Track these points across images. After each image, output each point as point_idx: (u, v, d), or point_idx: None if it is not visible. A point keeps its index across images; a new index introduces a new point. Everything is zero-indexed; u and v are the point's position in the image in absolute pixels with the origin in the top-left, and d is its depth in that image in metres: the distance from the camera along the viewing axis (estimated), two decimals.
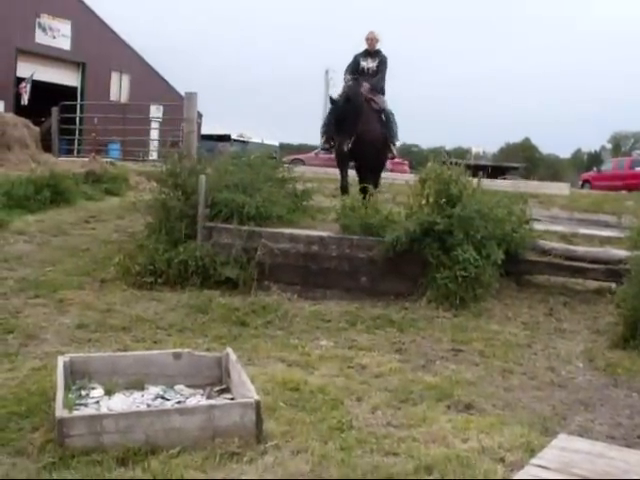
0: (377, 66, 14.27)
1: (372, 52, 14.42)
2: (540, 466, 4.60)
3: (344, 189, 14.15)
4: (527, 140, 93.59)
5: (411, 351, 8.98)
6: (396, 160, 39.88)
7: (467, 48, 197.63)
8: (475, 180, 12.29)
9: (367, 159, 14.07)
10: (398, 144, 16.49)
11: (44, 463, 5.42)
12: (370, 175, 14.04)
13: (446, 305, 10.61)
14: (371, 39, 14.41)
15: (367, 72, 14.25)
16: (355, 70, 14.28)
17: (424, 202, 11.26)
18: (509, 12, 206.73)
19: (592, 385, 8.19)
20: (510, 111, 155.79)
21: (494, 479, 5.31)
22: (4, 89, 40.72)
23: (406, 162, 40.24)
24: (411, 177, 14.87)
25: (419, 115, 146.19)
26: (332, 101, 14.01)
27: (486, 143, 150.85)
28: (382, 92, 14.50)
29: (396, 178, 20.89)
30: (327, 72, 63.41)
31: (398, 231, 10.93)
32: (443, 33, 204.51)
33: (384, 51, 14.62)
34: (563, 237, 13.33)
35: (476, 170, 13.66)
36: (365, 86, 14.01)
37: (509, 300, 11.17)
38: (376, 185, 13.37)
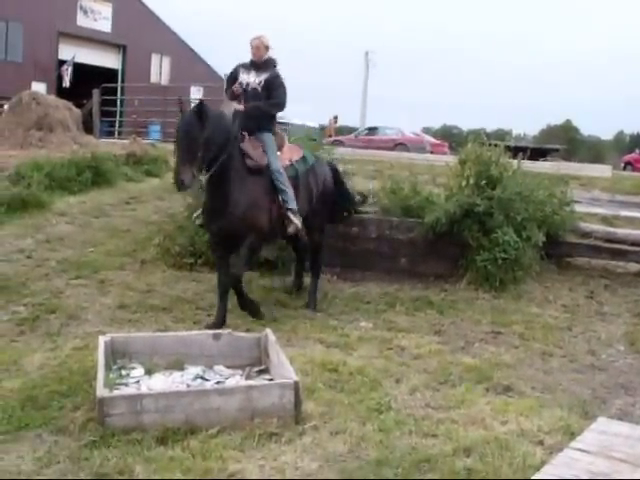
0: (263, 84, 9.37)
1: (259, 64, 9.50)
2: (579, 449, 4.60)
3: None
4: (568, 122, 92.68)
5: (450, 333, 8.98)
6: (436, 142, 40.13)
7: (509, 32, 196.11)
8: (515, 162, 12.21)
9: (232, 236, 8.94)
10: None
11: (85, 441, 5.51)
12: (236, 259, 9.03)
13: (486, 287, 10.60)
14: (256, 46, 9.51)
15: (247, 90, 9.40)
16: (231, 85, 9.60)
17: (464, 183, 11.22)
18: None
19: (633, 368, 8.14)
20: (551, 93, 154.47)
21: (533, 462, 5.30)
22: (46, 72, 40.99)
23: (446, 144, 40.08)
24: (451, 159, 14.64)
25: (460, 97, 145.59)
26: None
27: (527, 125, 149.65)
28: (270, 125, 9.61)
29: (436, 160, 20.80)
30: (367, 53, 63.30)
31: (438, 212, 10.91)
32: (484, 18, 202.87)
33: (278, 64, 9.68)
34: (604, 219, 13.23)
35: (516, 152, 13.55)
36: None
37: (549, 283, 11.13)
38: (231, 277, 8.88)
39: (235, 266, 8.89)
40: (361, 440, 5.65)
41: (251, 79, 9.38)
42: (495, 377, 7.30)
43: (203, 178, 8.56)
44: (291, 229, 9.27)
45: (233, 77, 9.58)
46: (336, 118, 45.22)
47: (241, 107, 9.26)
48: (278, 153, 9.38)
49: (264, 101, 9.32)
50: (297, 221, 9.21)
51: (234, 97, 9.44)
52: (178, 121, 8.72)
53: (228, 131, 8.77)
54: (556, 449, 5.43)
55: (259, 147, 9.21)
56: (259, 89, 9.32)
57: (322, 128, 42.66)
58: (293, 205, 9.17)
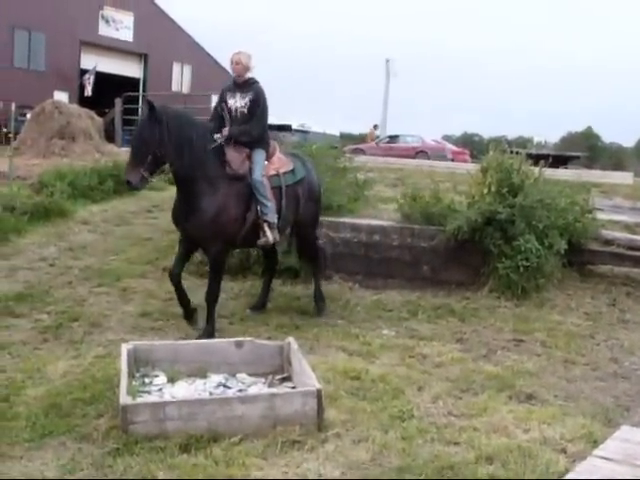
0: (249, 105, 9.14)
1: (241, 84, 9.26)
2: (603, 457, 4.59)
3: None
4: (589, 129, 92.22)
5: (472, 341, 8.96)
6: (457, 149, 40.09)
7: (529, 39, 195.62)
8: (537, 169, 12.18)
9: (196, 240, 8.98)
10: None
11: (108, 449, 5.54)
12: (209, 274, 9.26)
13: (508, 295, 10.57)
14: (235, 61, 9.25)
15: (235, 114, 9.17)
16: (220, 115, 9.33)
17: (486, 191, 11.21)
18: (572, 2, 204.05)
19: None
20: (572, 100, 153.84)
21: (556, 470, 5.29)
22: (68, 81, 41.24)
23: (467, 151, 40.05)
24: (472, 166, 14.62)
25: (481, 104, 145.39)
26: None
27: (547, 132, 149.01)
28: (262, 143, 9.28)
29: (457, 167, 20.79)
30: (387, 61, 63.17)
31: (460, 220, 10.90)
32: (506, 24, 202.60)
33: (259, 80, 9.40)
34: (626, 227, 13.16)
35: (537, 159, 13.52)
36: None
37: (571, 290, 11.09)
38: (209, 294, 8.93)
39: (209, 284, 8.99)
40: (383, 448, 5.66)
41: (238, 102, 9.19)
42: (517, 385, 7.28)
43: (156, 179, 8.58)
44: (261, 241, 9.12)
45: (221, 102, 9.34)
46: (376, 126, 45.41)
47: (224, 131, 9.08)
48: (265, 163, 9.25)
49: (245, 125, 9.11)
50: (270, 235, 9.03)
51: (220, 120, 9.28)
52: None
53: (191, 135, 8.61)
54: (579, 457, 5.42)
55: (243, 154, 9.09)
56: (246, 111, 9.16)
57: (342, 136, 42.71)
58: (271, 217, 9.02)
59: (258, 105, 9.18)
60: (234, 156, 8.97)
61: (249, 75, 9.33)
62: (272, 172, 9.28)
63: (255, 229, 9.01)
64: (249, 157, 9.09)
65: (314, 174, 10.15)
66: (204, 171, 8.65)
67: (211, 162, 8.75)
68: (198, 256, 10.97)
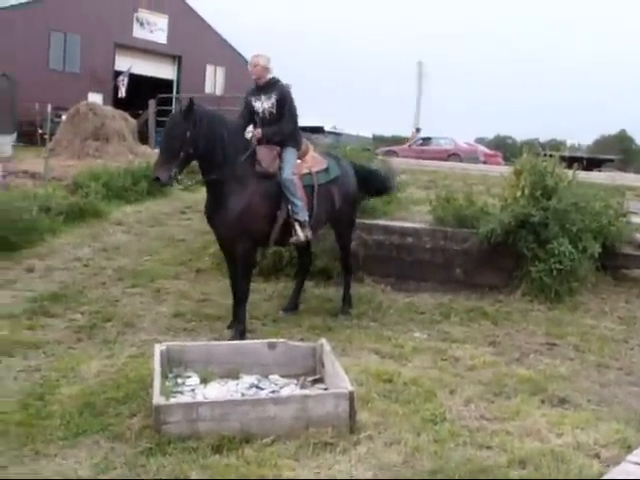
0: (276, 106, 9.16)
1: (263, 86, 9.26)
2: (637, 463, 4.57)
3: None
4: (623, 132, 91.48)
5: (505, 344, 8.93)
6: (489, 152, 39.98)
7: (562, 40, 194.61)
8: (570, 172, 12.12)
9: (226, 239, 9.04)
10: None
11: (141, 448, 5.59)
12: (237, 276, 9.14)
13: (541, 298, 10.53)
14: (253, 64, 9.23)
15: (263, 115, 9.23)
16: (249, 115, 9.37)
17: (519, 194, 11.16)
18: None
19: None
20: (605, 102, 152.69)
21: (589, 475, 5.26)
22: (103, 83, 41.49)
23: (499, 154, 39.91)
24: (505, 169, 14.55)
25: (514, 107, 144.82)
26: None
27: (581, 135, 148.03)
28: (294, 142, 9.29)
29: (490, 170, 20.72)
30: (420, 64, 63.13)
31: (493, 223, 10.87)
32: (538, 25, 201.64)
33: (281, 79, 9.45)
34: None
35: (571, 162, 13.45)
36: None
37: (605, 294, 11.01)
38: (239, 292, 9.01)
39: (236, 281, 9.04)
40: (415, 450, 5.65)
41: (264, 104, 9.22)
42: (550, 389, 7.23)
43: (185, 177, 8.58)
44: (293, 240, 9.15)
45: (248, 105, 9.38)
46: (418, 130, 45.47)
47: (258, 132, 9.13)
48: (298, 161, 9.29)
49: (276, 125, 9.15)
50: (301, 233, 9.03)
51: (248, 122, 9.40)
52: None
53: (222, 133, 8.66)
54: (613, 462, 5.40)
55: (274, 152, 9.12)
56: (274, 111, 9.19)
57: (375, 138, 42.71)
58: (302, 216, 9.03)
59: (285, 103, 9.22)
60: (265, 154, 9.01)
61: (270, 76, 9.33)
62: (305, 170, 9.30)
63: (287, 228, 9.03)
64: (280, 155, 9.11)
65: (351, 175, 10.11)
66: (234, 169, 8.69)
67: (241, 160, 8.77)
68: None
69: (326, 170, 9.58)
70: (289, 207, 8.96)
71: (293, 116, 9.33)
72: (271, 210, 8.93)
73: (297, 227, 9.01)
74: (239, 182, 8.72)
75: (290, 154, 9.19)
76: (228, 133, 8.75)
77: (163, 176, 8.27)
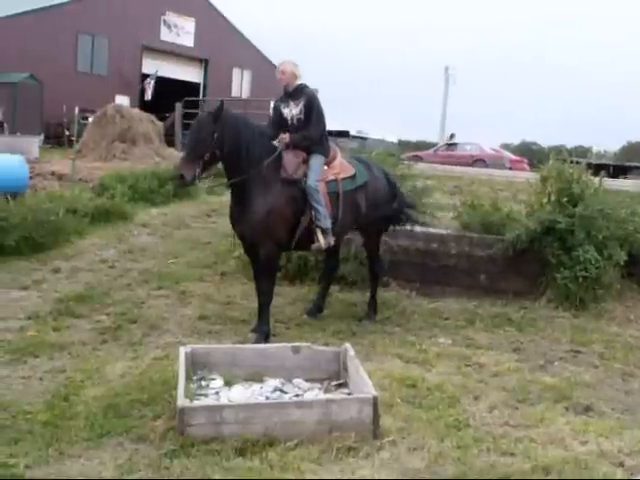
0: (303, 112, 9.16)
1: (292, 92, 9.28)
2: None
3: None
4: None
5: (529, 351, 8.90)
6: (515, 158, 39.86)
7: (587, 47, 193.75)
8: (597, 179, 12.08)
9: (250, 242, 9.03)
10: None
11: (165, 450, 5.59)
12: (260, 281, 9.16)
13: (566, 305, 10.51)
14: (281, 71, 9.27)
15: (292, 122, 9.21)
16: (278, 123, 9.31)
17: (545, 200, 11.15)
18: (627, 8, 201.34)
19: None
20: (632, 109, 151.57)
21: None
22: (130, 85, 41.74)
23: (525, 160, 39.75)
24: (531, 175, 14.51)
25: (540, 113, 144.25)
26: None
27: (607, 142, 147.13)
28: (321, 148, 9.26)
29: (516, 176, 20.67)
30: (447, 69, 63.11)
31: (518, 229, 10.87)
32: (565, 31, 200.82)
33: (308, 85, 9.44)
34: None
35: (597, 169, 13.39)
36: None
37: (631, 302, 10.96)
38: (263, 295, 8.96)
39: (260, 282, 9.00)
40: (439, 456, 5.64)
41: (293, 111, 9.19)
42: (575, 397, 7.21)
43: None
44: (314, 246, 9.07)
45: (277, 112, 9.35)
46: (452, 135, 45.43)
47: (286, 137, 9.03)
48: (325, 168, 9.22)
49: (304, 130, 9.10)
50: (322, 240, 8.95)
51: (278, 129, 9.24)
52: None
53: (247, 137, 8.65)
54: (637, 471, 5.39)
55: (300, 158, 9.06)
56: (302, 117, 9.15)
57: (400, 143, 42.70)
58: (324, 224, 8.93)
59: (312, 109, 9.16)
60: (290, 160, 8.97)
61: (298, 82, 9.30)
62: (330, 177, 9.23)
63: (310, 233, 8.98)
64: (305, 162, 9.07)
65: (381, 180, 10.05)
66: (258, 173, 8.65)
67: (266, 165, 8.74)
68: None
69: (353, 177, 9.50)
70: (312, 213, 8.92)
71: (321, 121, 9.26)
72: (295, 215, 8.90)
73: (319, 234, 8.95)
74: (263, 186, 8.70)
75: (317, 161, 9.14)
76: (254, 136, 8.73)
77: (188, 175, 8.24)
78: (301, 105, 9.16)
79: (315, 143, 9.17)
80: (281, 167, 8.87)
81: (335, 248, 9.72)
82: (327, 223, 8.94)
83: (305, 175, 8.95)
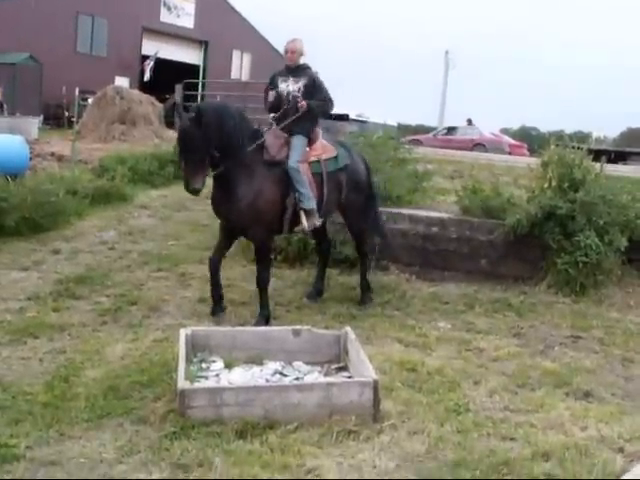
0: (303, 90, 9.12)
1: (294, 68, 9.32)
2: None
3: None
4: None
5: (529, 336, 8.90)
6: (515, 142, 39.82)
7: (590, 34, 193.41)
8: (598, 165, 12.05)
9: (237, 227, 9.02)
10: None
11: (165, 432, 5.61)
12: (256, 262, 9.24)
13: (566, 291, 10.49)
14: (291, 50, 9.32)
15: (287, 98, 9.19)
16: (275, 95, 9.32)
17: (546, 186, 11.13)
18: None
19: None
20: (631, 95, 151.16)
21: (613, 469, 5.25)
22: (130, 67, 41.50)
23: (525, 145, 39.67)
24: (532, 160, 14.47)
25: (539, 98, 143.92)
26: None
27: (607, 127, 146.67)
28: (303, 129, 9.19)
29: (516, 161, 20.65)
30: (447, 53, 62.93)
31: (519, 214, 10.84)
32: (564, 19, 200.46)
33: (312, 66, 9.50)
34: None
35: (598, 155, 13.36)
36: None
37: (631, 288, 10.96)
38: (260, 279, 8.87)
39: (258, 270, 8.91)
40: (439, 441, 5.66)
41: (290, 87, 9.19)
42: (575, 382, 7.21)
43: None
44: (298, 228, 9.13)
45: (272, 87, 9.36)
46: (469, 121, 45.34)
47: (303, 103, 8.97)
48: (307, 149, 9.17)
49: (318, 101, 9.12)
50: (306, 222, 8.91)
51: (273, 106, 9.30)
52: (178, 126, 8.71)
53: (229, 124, 8.49)
54: (637, 457, 5.39)
55: (282, 139, 9.04)
56: (299, 95, 9.10)
57: (400, 127, 42.58)
58: (308, 204, 8.88)
59: (314, 87, 9.17)
60: (273, 142, 8.94)
61: (302, 61, 9.37)
62: (313, 158, 9.19)
63: (297, 216, 8.97)
64: (287, 143, 9.04)
65: (361, 163, 10.02)
66: (241, 157, 8.59)
67: (249, 148, 8.69)
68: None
69: (335, 158, 9.48)
70: (296, 195, 8.87)
71: (330, 98, 9.30)
72: (280, 197, 8.85)
73: (303, 216, 8.92)
74: (247, 170, 8.66)
75: (298, 141, 9.09)
76: (236, 124, 8.62)
77: (198, 184, 8.24)
78: (301, 84, 9.16)
79: (329, 110, 9.33)
80: (264, 149, 8.83)
81: (323, 230, 9.75)
82: (311, 204, 8.90)
83: (287, 156, 8.93)
